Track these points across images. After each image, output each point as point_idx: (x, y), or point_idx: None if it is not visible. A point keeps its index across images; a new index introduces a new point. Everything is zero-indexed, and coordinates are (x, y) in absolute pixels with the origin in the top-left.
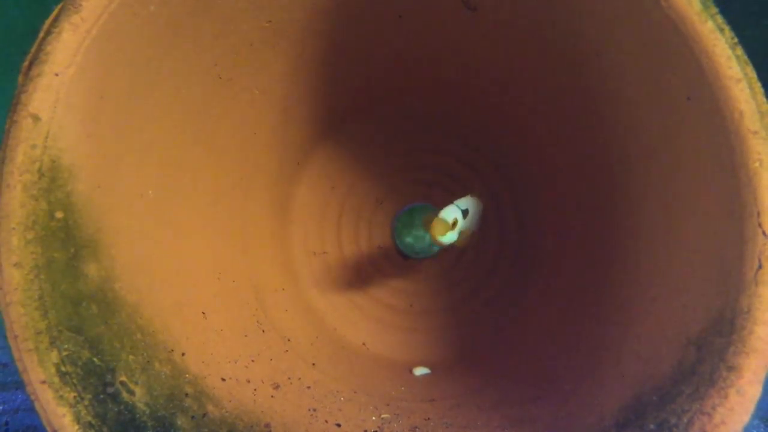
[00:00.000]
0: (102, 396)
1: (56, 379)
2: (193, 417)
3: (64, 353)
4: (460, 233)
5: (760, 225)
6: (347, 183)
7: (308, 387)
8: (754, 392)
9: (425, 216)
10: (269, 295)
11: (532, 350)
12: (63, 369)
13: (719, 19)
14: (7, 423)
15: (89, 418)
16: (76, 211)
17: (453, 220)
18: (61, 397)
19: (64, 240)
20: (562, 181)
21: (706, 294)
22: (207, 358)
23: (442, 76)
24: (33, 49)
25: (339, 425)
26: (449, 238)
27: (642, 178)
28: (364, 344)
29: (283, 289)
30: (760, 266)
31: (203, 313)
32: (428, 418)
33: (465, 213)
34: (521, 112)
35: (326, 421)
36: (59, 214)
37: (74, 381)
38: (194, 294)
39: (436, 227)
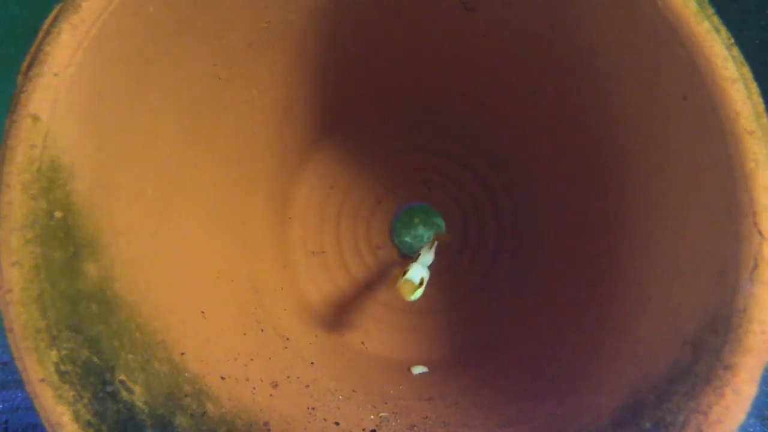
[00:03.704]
0: (101, 394)
1: (55, 378)
2: (192, 415)
3: (64, 352)
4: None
5: (755, 225)
6: (346, 182)
7: (307, 386)
8: (750, 391)
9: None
10: (268, 294)
11: (529, 350)
12: (62, 368)
13: (716, 19)
14: (6, 422)
15: (88, 417)
16: (75, 210)
17: (420, 279)
18: (61, 395)
19: (64, 239)
20: (559, 181)
21: (702, 293)
22: (206, 356)
23: (440, 76)
24: (32, 49)
25: (338, 424)
26: (417, 295)
27: (638, 179)
28: (362, 343)
29: (282, 288)
30: (756, 266)
31: (202, 312)
32: (426, 417)
33: (430, 267)
34: (519, 112)
35: (325, 420)
36: (59, 214)
37: (73, 380)
38: (193, 293)
39: (404, 288)
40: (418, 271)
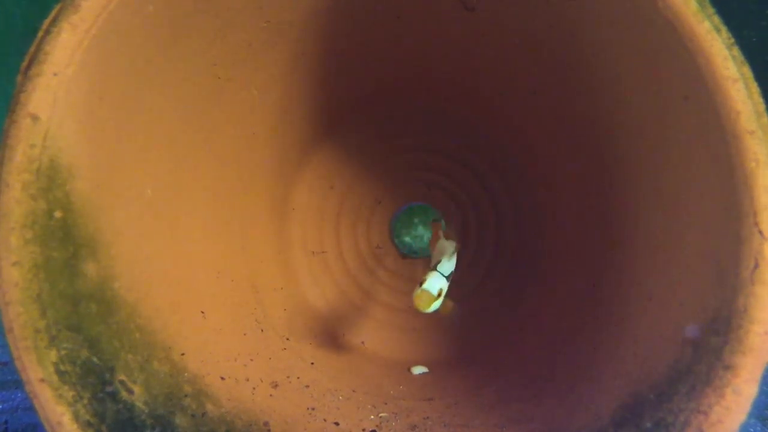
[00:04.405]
0: (101, 395)
1: (55, 378)
2: (192, 415)
3: (63, 352)
4: (444, 301)
5: (756, 225)
6: (346, 182)
7: (307, 386)
8: (751, 391)
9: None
10: (268, 294)
11: (529, 350)
12: (62, 368)
13: (716, 19)
14: (6, 422)
15: (88, 417)
16: (75, 210)
17: (438, 290)
18: (60, 395)
19: (63, 239)
20: (559, 181)
21: (702, 293)
22: (206, 357)
23: (440, 77)
24: (32, 49)
25: (337, 424)
26: (434, 307)
27: (638, 178)
28: (362, 343)
29: (282, 288)
30: (757, 266)
31: (202, 312)
32: (427, 417)
33: (448, 277)
34: (519, 113)
35: (325, 420)
36: (58, 214)
37: (73, 380)
38: (193, 293)
39: (421, 299)
40: (437, 281)
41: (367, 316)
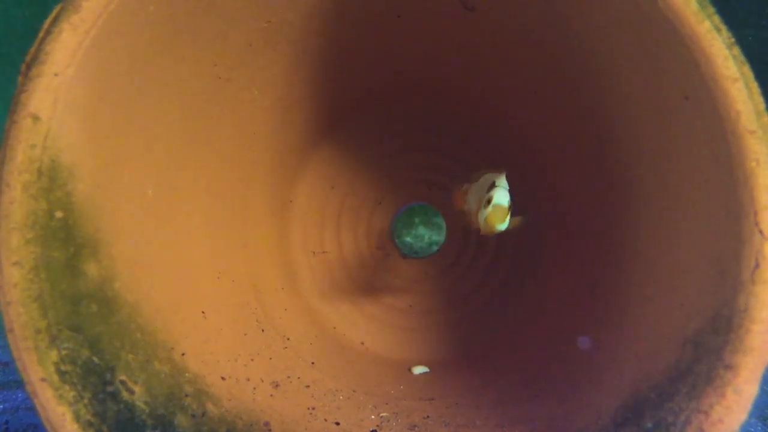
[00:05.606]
0: (101, 395)
1: (56, 378)
2: (192, 416)
3: (64, 352)
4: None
5: (756, 224)
6: (346, 183)
7: (307, 386)
8: (752, 391)
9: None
10: (269, 294)
11: (530, 350)
12: (62, 368)
13: (716, 19)
14: (7, 422)
15: (89, 417)
16: (75, 210)
17: (509, 203)
18: (61, 395)
19: (64, 239)
20: (560, 181)
21: (703, 293)
22: (206, 357)
23: (440, 76)
24: (32, 50)
25: (338, 424)
26: (506, 223)
27: (639, 178)
28: (362, 343)
29: (283, 288)
30: (757, 265)
31: (203, 312)
32: (427, 417)
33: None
34: (520, 112)
35: (325, 420)
36: (59, 214)
37: (74, 380)
38: (194, 293)
39: (496, 216)
40: (504, 194)
41: (367, 316)
